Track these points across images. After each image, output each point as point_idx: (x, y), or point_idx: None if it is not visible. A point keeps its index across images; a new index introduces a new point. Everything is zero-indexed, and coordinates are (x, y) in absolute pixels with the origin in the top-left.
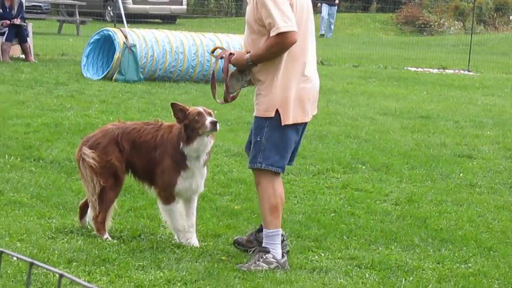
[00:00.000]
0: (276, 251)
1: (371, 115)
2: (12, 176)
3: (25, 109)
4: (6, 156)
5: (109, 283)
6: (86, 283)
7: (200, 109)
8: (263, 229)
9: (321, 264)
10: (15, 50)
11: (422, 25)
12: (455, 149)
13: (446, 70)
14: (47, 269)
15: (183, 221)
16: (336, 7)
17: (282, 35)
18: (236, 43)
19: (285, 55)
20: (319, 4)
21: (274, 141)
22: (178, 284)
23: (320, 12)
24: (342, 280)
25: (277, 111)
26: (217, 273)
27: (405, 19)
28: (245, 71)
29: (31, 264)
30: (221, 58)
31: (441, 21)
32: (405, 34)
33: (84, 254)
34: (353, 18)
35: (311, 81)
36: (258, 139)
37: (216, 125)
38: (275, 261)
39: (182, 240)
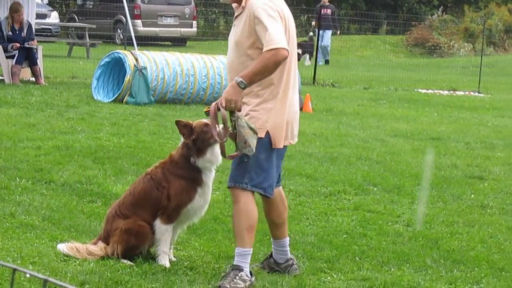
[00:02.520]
0: (248, 269)
1: (382, 137)
2: (23, 199)
3: (36, 132)
4: (17, 178)
5: None
6: None
7: (205, 120)
8: (237, 248)
9: (334, 285)
10: (25, 73)
11: (432, 47)
12: (466, 171)
13: (456, 92)
14: (60, 285)
15: (170, 245)
16: (330, 30)
17: (277, 50)
18: None
19: (284, 76)
20: (311, 33)
21: (260, 163)
22: None
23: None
24: None
25: (267, 132)
26: None
27: (415, 41)
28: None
29: (45, 281)
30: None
31: (451, 43)
32: (415, 56)
33: (96, 277)
34: (363, 40)
35: (297, 105)
36: (245, 160)
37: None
38: (248, 279)
39: (161, 262)
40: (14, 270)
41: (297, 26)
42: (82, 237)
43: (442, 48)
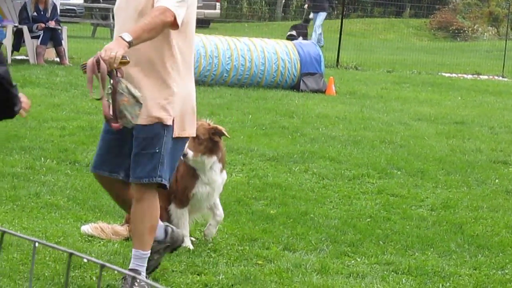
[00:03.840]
0: (144, 273)
1: (406, 120)
2: (48, 179)
3: (60, 112)
4: (42, 159)
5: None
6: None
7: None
8: (135, 250)
9: (358, 269)
10: (50, 53)
11: (456, 31)
12: (491, 155)
13: (480, 76)
14: (117, 270)
15: (188, 228)
16: (325, 13)
17: (167, 9)
18: (271, 47)
19: (185, 49)
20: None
21: (171, 153)
22: None
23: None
24: (379, 285)
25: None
26: (254, 277)
27: (438, 24)
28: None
29: (102, 266)
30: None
31: (475, 27)
32: (438, 40)
33: (121, 257)
34: (387, 24)
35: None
36: (157, 150)
37: (185, 156)
38: (145, 283)
39: (183, 244)
40: (71, 254)
41: (291, 10)
42: (107, 218)
43: (466, 31)
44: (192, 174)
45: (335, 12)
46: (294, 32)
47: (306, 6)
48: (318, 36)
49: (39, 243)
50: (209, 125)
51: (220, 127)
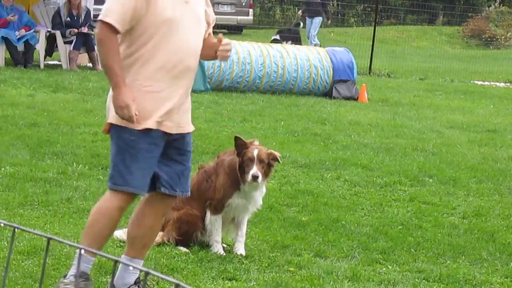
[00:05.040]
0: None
1: (438, 128)
2: (80, 184)
3: (93, 118)
4: (74, 164)
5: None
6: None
7: (254, 153)
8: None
9: (389, 276)
10: (83, 58)
11: (489, 39)
12: None
13: None
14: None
15: (221, 234)
16: (320, 18)
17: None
18: (303, 54)
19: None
20: (300, 13)
21: None
22: None
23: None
24: None
25: None
26: (285, 284)
27: (471, 32)
28: None
29: (177, 285)
30: None
31: (507, 35)
32: (471, 48)
33: (152, 263)
34: (419, 31)
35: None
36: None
37: (256, 179)
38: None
39: (214, 250)
40: (116, 261)
41: (283, 17)
42: None
43: (499, 39)
44: (232, 185)
45: (329, 22)
46: (278, 37)
47: (300, 12)
48: (314, 43)
49: (52, 239)
50: (266, 149)
51: (275, 152)
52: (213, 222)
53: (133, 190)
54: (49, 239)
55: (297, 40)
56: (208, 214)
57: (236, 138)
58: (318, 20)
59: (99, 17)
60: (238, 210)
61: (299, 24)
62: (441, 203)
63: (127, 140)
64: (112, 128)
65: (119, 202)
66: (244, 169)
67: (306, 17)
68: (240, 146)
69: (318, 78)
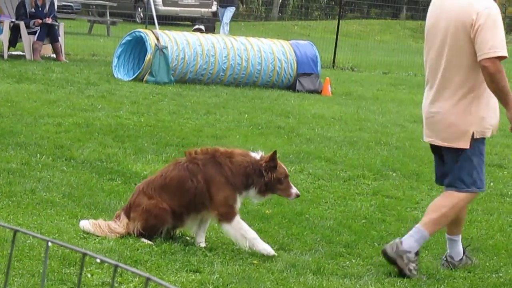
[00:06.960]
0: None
1: (401, 122)
2: (44, 175)
3: (56, 109)
4: (38, 155)
5: (140, 285)
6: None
7: (287, 171)
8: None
9: (353, 270)
10: (46, 49)
11: None
12: (486, 158)
13: None
14: (131, 271)
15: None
16: (233, 7)
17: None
18: (267, 47)
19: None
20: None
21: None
22: (210, 287)
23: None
24: (373, 286)
25: None
26: (249, 277)
27: None
28: None
29: (116, 266)
30: None
31: None
32: None
33: (116, 255)
34: (383, 25)
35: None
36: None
37: (299, 197)
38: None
39: (260, 247)
40: (84, 254)
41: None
42: (102, 215)
43: None
44: (235, 191)
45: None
46: (202, 26)
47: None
48: (224, 32)
49: (52, 242)
50: None
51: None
52: (237, 229)
53: (483, 190)
54: (15, 231)
55: (212, 30)
56: (226, 226)
57: (275, 153)
58: (231, 10)
59: (491, 55)
60: None
61: (215, 13)
62: (405, 197)
63: (482, 149)
64: (475, 141)
65: (469, 200)
66: (276, 186)
67: (219, 7)
68: (272, 161)
69: (282, 71)
